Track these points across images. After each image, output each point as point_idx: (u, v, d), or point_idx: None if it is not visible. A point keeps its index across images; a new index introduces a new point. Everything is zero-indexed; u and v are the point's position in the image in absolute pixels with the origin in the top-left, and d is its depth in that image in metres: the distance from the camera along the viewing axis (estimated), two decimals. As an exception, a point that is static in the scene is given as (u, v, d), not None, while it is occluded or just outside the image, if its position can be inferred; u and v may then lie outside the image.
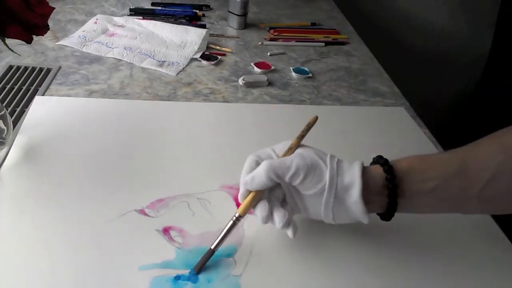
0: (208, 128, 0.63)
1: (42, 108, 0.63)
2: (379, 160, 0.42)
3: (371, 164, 0.44)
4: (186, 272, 0.42)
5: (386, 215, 0.42)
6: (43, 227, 0.45)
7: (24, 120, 0.60)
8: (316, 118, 0.49)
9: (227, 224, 0.43)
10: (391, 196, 0.40)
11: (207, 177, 0.54)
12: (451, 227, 0.51)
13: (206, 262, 0.42)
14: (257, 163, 0.44)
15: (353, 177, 0.40)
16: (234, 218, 0.43)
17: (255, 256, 0.44)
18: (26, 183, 0.51)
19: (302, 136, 0.47)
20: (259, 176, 0.41)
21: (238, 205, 0.50)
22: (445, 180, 0.40)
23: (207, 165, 0.56)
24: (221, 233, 0.42)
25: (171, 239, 0.45)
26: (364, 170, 0.41)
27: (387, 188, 0.40)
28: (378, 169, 0.41)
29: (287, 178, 0.41)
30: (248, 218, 0.48)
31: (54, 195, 0.49)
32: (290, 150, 0.44)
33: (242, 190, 0.44)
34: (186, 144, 0.59)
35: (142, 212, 0.48)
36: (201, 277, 0.42)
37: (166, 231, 0.46)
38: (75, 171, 0.53)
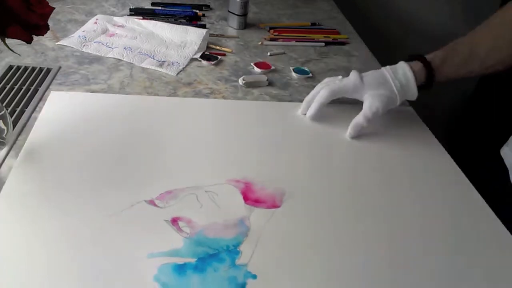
0: (216, 124, 0.65)
1: (55, 103, 0.64)
2: (415, 57, 0.66)
3: (410, 59, 0.66)
4: (193, 260, 0.43)
5: (426, 86, 0.66)
6: (55, 215, 0.46)
7: (40, 114, 0.62)
8: None
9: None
10: (428, 84, 0.65)
11: (214, 170, 0.55)
12: (457, 228, 0.51)
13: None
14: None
15: (413, 92, 0.65)
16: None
17: (261, 248, 0.45)
18: (39, 174, 0.52)
19: None
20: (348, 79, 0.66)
21: (245, 198, 0.51)
22: (461, 63, 0.65)
23: (214, 159, 0.58)
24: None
25: (179, 229, 0.46)
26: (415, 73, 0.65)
27: (426, 79, 0.65)
28: (423, 70, 0.65)
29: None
30: (254, 213, 0.49)
31: (66, 186, 0.51)
32: None
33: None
34: (194, 138, 0.61)
35: (151, 202, 0.49)
36: (207, 266, 0.43)
37: (174, 221, 0.47)
38: (87, 163, 0.54)
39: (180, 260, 0.43)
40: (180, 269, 0.42)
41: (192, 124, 0.64)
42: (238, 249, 0.45)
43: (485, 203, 0.55)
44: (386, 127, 0.68)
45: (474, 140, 0.86)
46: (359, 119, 0.63)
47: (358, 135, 0.64)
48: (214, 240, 0.46)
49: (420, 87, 0.65)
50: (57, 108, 0.64)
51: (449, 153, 0.63)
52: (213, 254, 0.44)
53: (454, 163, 0.62)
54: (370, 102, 0.63)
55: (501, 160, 0.72)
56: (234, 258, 0.44)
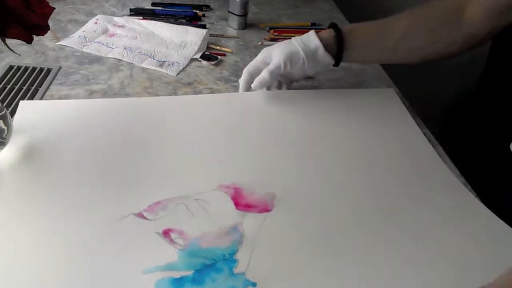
0: (201, 130, 0.62)
1: (36, 111, 0.62)
2: (333, 26, 0.65)
3: (327, 27, 0.66)
4: (190, 273, 0.42)
5: (336, 62, 0.66)
6: (40, 233, 0.45)
7: (17, 121, 0.59)
8: None
9: None
10: (339, 48, 0.65)
11: (203, 177, 0.54)
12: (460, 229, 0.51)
13: None
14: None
15: (315, 43, 0.65)
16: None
17: (257, 254, 0.45)
18: (23, 186, 0.51)
19: None
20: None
21: (236, 203, 0.50)
22: (371, 36, 0.65)
23: (202, 165, 0.56)
24: None
25: (172, 241, 0.45)
26: (320, 35, 0.65)
27: (336, 43, 0.65)
28: (331, 32, 0.65)
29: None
30: (246, 218, 0.49)
31: (50, 199, 0.49)
32: None
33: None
34: (180, 146, 0.59)
35: (140, 215, 0.48)
36: (205, 277, 0.42)
37: (166, 233, 0.46)
38: (70, 176, 0.52)
39: (177, 274, 0.42)
40: (178, 283, 0.41)
41: (176, 130, 0.61)
42: (234, 258, 0.44)
43: (466, 189, 0.55)
44: (377, 121, 0.67)
45: (479, 136, 0.84)
46: (263, 72, 0.65)
47: (262, 88, 0.67)
48: (209, 250, 0.45)
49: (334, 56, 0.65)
50: (36, 115, 0.61)
51: (453, 148, 0.63)
52: (209, 265, 0.43)
53: (435, 151, 0.62)
54: (273, 58, 0.66)
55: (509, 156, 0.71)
56: (231, 267, 0.43)
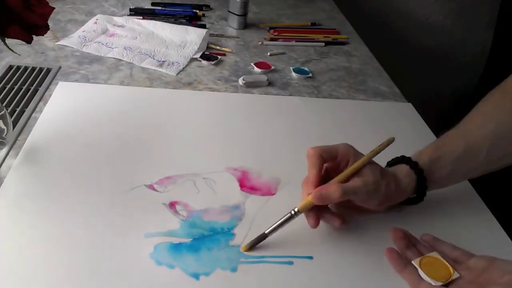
0: (216, 116, 0.67)
1: (62, 94, 0.67)
2: (405, 160, 0.50)
3: (395, 162, 0.51)
4: (187, 240, 0.45)
5: (417, 201, 0.51)
6: (59, 193, 0.49)
7: (47, 103, 0.64)
8: (391, 140, 0.50)
9: (284, 216, 0.45)
10: (420, 187, 0.49)
11: (213, 159, 0.57)
12: (453, 225, 0.52)
13: (256, 244, 0.45)
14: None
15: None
16: (292, 212, 0.45)
17: (254, 231, 0.47)
18: (45, 157, 0.54)
19: (370, 156, 0.48)
20: (331, 199, 0.45)
21: (241, 185, 0.54)
22: (457, 160, 0.49)
23: (214, 148, 0.59)
24: (277, 221, 0.45)
25: (176, 212, 0.48)
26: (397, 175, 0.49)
27: (417, 183, 0.49)
28: (407, 169, 0.49)
29: (354, 199, 0.46)
30: (249, 199, 0.51)
31: (72, 169, 0.53)
32: (355, 169, 0.46)
33: (307, 190, 0.46)
34: (195, 129, 0.63)
35: (151, 187, 0.51)
36: (202, 245, 0.45)
37: (172, 205, 0.49)
38: (93, 151, 0.56)
39: (176, 240, 0.45)
40: (175, 248, 0.44)
41: (194, 116, 0.66)
42: (232, 232, 0.47)
43: (487, 209, 0.55)
44: (384, 122, 0.69)
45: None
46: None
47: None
48: (209, 222, 0.48)
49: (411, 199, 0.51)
50: (62, 99, 0.66)
51: None
52: (208, 236, 0.46)
53: None
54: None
55: None
56: (228, 240, 0.46)
